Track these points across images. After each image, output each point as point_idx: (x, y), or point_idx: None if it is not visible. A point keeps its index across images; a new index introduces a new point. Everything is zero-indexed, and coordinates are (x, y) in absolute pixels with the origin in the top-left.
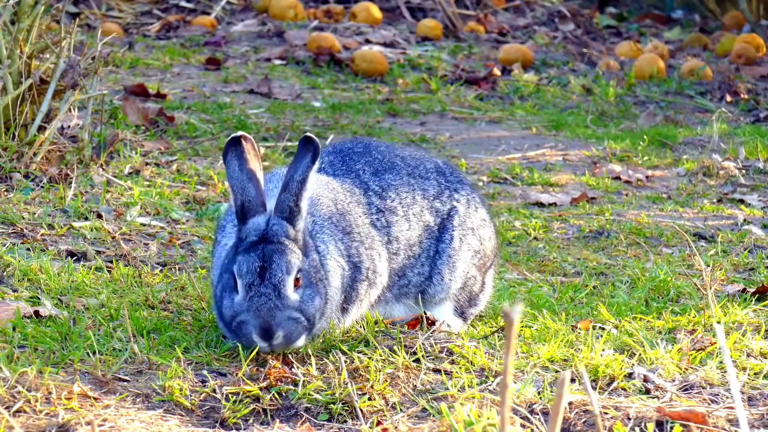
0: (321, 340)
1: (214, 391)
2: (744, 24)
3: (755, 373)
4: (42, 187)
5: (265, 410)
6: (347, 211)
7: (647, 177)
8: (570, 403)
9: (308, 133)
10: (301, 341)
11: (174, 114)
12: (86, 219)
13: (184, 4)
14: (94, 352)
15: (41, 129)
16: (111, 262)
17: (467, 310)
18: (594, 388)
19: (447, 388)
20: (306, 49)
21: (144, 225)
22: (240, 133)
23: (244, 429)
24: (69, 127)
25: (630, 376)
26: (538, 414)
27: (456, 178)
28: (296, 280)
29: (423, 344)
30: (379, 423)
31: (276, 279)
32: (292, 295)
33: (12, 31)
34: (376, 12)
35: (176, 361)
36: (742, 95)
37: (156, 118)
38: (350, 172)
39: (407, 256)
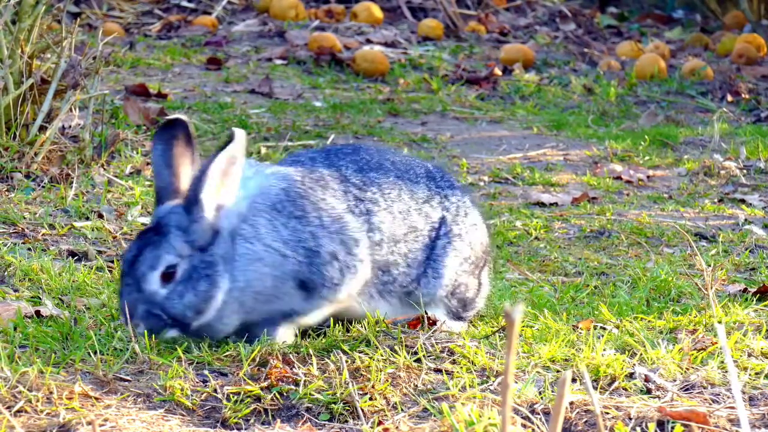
0: (322, 340)
1: (215, 390)
2: (745, 24)
3: (756, 373)
4: (43, 186)
5: (266, 410)
6: (303, 196)
7: (648, 177)
8: (571, 403)
9: (234, 128)
10: (169, 334)
11: (175, 114)
12: (87, 219)
13: (185, 3)
14: (96, 352)
15: (42, 129)
16: (112, 261)
17: (463, 314)
18: (595, 388)
19: (448, 388)
20: (307, 49)
21: (145, 224)
22: (174, 116)
23: (245, 429)
24: (70, 126)
25: (631, 375)
26: (539, 414)
27: (447, 183)
28: (169, 274)
29: (424, 344)
30: (380, 423)
31: (139, 272)
32: (156, 290)
33: (13, 31)
34: (377, 12)
35: (177, 361)
36: (743, 95)
37: (157, 118)
38: (331, 166)
39: (391, 251)
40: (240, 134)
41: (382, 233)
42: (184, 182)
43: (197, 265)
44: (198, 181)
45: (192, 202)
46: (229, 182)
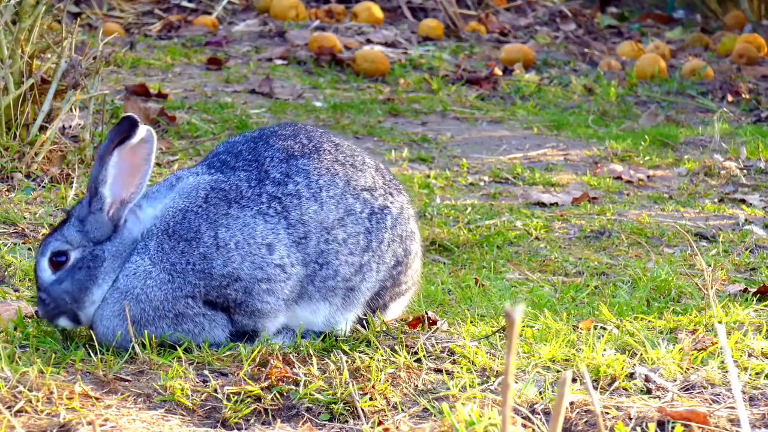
0: (321, 340)
1: (215, 391)
2: (745, 24)
3: (756, 373)
4: (43, 186)
5: (266, 410)
6: (201, 216)
7: (648, 177)
8: (571, 403)
9: (129, 113)
10: (60, 322)
11: (175, 114)
12: None
13: (185, 3)
14: (96, 352)
15: (43, 129)
16: None
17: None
18: (595, 388)
19: (448, 388)
20: (307, 49)
21: None
22: (127, 114)
23: (246, 429)
24: (70, 126)
25: (631, 375)
26: (539, 414)
27: (394, 184)
28: (59, 262)
29: (424, 344)
30: (380, 423)
31: (37, 258)
32: (46, 276)
33: (13, 31)
34: (377, 12)
35: (177, 361)
36: (743, 95)
37: (157, 118)
38: (252, 162)
39: (324, 240)
40: (142, 130)
41: (307, 225)
42: None
43: (86, 256)
44: (96, 173)
45: (92, 194)
46: (137, 180)
